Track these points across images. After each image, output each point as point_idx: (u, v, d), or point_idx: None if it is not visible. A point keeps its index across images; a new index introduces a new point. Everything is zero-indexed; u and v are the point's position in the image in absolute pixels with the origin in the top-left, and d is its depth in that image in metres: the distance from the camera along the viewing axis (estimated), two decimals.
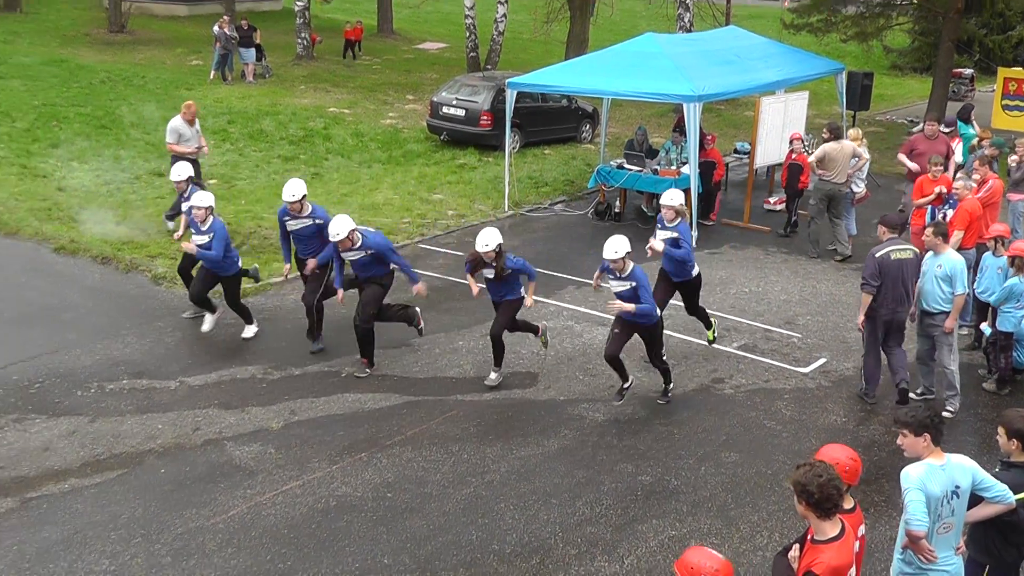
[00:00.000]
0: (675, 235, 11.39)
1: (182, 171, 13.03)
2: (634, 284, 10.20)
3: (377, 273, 11.50)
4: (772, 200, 18.39)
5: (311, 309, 11.92)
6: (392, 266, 11.61)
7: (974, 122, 19.11)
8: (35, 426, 10.14)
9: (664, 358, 10.79)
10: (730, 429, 10.33)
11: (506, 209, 17.96)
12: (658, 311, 10.61)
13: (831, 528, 5.44)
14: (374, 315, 11.42)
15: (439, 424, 10.30)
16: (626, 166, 17.64)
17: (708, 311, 12.07)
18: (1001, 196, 13.89)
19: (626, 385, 10.63)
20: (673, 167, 17.13)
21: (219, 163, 20.31)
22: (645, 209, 17.81)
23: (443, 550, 8.26)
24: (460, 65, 32.31)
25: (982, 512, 6.24)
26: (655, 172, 17.17)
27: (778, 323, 13.03)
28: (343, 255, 11.37)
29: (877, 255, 10.42)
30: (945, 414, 9.89)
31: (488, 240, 10.65)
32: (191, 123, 15.96)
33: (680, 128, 17.49)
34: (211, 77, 30.19)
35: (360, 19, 38.12)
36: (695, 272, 11.67)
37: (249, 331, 12.32)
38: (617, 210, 17.91)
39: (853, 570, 5.50)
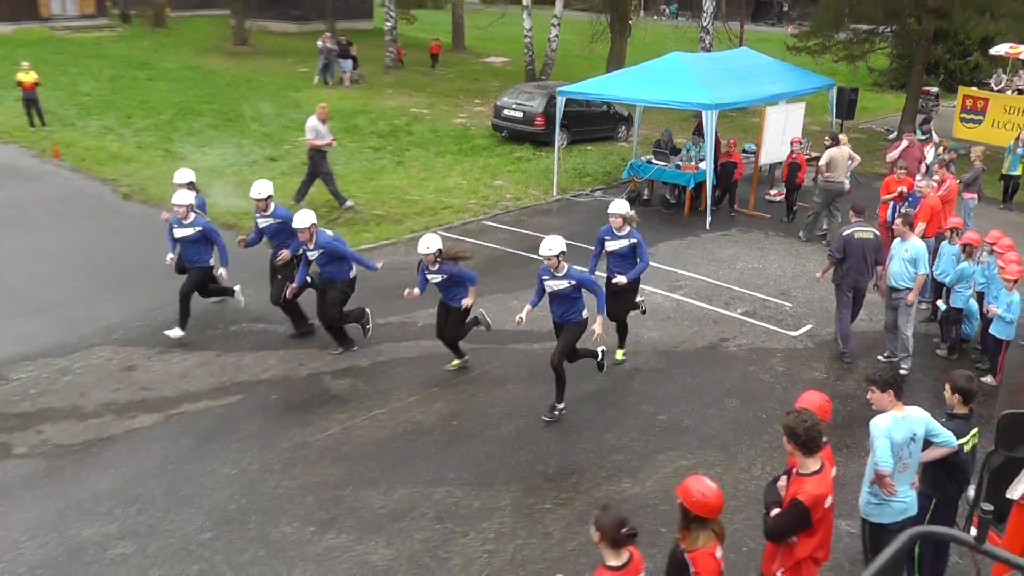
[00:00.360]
0: (632, 241, 10.08)
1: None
2: (573, 282, 8.93)
3: (338, 275, 10.29)
4: (773, 192, 18.20)
5: (285, 308, 10.75)
6: (352, 271, 10.36)
7: (933, 132, 18.87)
8: (175, 358, 10.38)
9: (563, 365, 9.11)
10: (733, 380, 10.31)
11: (554, 194, 17.89)
12: (585, 313, 9.22)
13: (813, 464, 5.50)
14: (338, 317, 10.40)
15: (497, 368, 10.38)
16: (654, 161, 17.57)
17: (705, 279, 11.90)
18: (956, 194, 13.86)
19: (600, 360, 9.62)
20: (692, 163, 17.01)
21: None
22: (668, 197, 17.69)
23: (498, 468, 8.38)
24: (519, 75, 32.14)
25: (931, 454, 6.30)
26: (677, 167, 17.08)
27: (774, 294, 12.93)
28: (307, 254, 10.22)
29: (844, 233, 10.77)
30: (901, 371, 9.84)
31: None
32: (324, 121, 16.01)
33: (699, 131, 17.37)
34: (315, 81, 30.28)
35: (438, 37, 38.05)
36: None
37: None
38: (646, 197, 17.82)
39: (830, 498, 5.55)
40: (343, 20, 41.58)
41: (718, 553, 5.01)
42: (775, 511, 5.59)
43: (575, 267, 9.11)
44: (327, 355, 10.61)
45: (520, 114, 22.24)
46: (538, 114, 21.77)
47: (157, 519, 7.52)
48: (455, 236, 14.97)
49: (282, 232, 10.80)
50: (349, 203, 16.16)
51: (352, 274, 10.46)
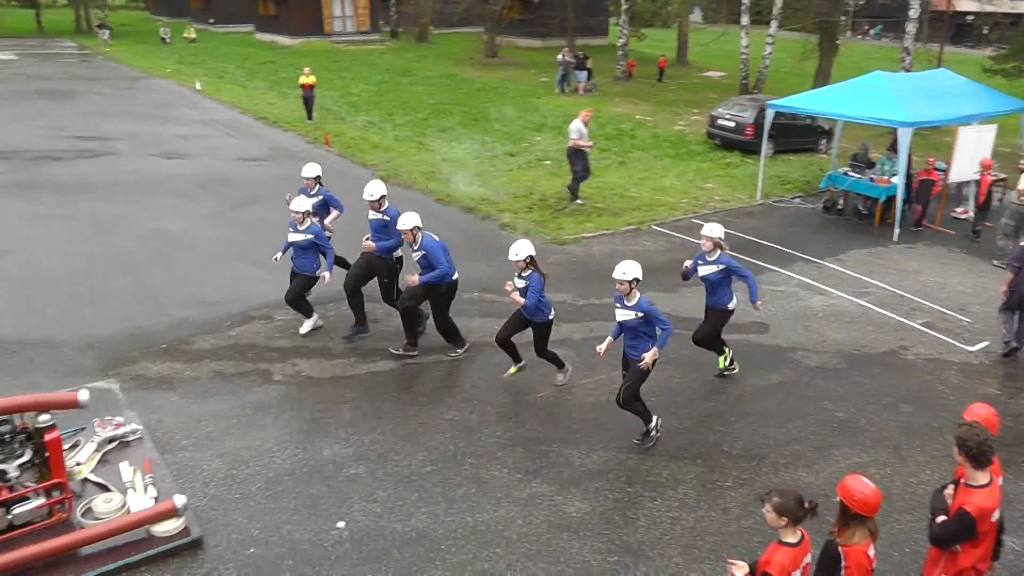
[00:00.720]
0: (721, 267, 8.79)
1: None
2: (641, 314, 7.60)
3: (443, 280, 9.38)
4: (959, 210, 16.70)
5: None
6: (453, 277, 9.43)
7: None
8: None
9: (633, 402, 7.90)
10: (908, 387, 9.53)
11: (758, 198, 17.17)
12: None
13: (982, 477, 5.03)
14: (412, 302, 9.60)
15: (694, 353, 9.98)
16: (850, 173, 16.56)
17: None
18: None
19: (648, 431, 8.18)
20: (886, 177, 15.89)
21: (555, 150, 20.60)
22: (860, 208, 16.53)
23: (687, 445, 8.10)
24: (733, 89, 31.10)
25: None
26: (872, 180, 16.00)
27: (954, 308, 11.84)
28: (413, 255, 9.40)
29: (1022, 243, 10.17)
30: None
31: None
32: (586, 124, 16.06)
33: (894, 147, 16.17)
34: (557, 91, 30.64)
35: (665, 54, 37.50)
36: (731, 304, 9.08)
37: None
38: (840, 206, 16.78)
39: (997, 512, 5.07)
40: (581, 37, 41.76)
41: (871, 551, 4.67)
42: (941, 518, 5.14)
43: (646, 298, 7.68)
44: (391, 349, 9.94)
45: (732, 124, 21.57)
46: (749, 124, 21.03)
47: (386, 449, 7.80)
48: (667, 231, 14.66)
49: (385, 230, 9.95)
50: (579, 201, 16.05)
51: (454, 276, 9.49)
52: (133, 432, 7.76)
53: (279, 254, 10.11)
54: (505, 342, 8.87)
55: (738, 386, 9.24)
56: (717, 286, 8.91)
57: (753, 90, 29.82)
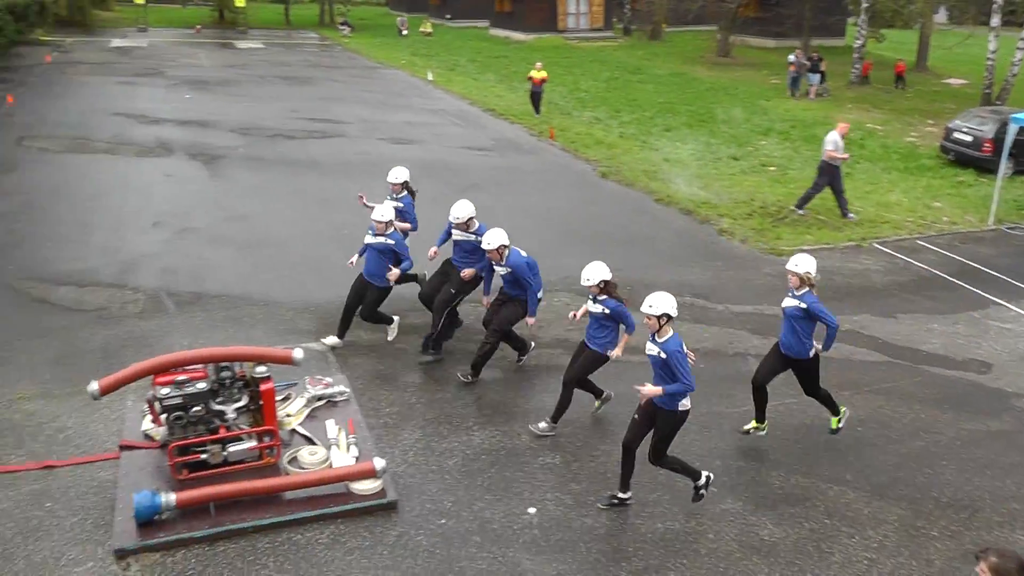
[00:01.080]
0: (803, 306, 7.41)
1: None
2: (664, 355, 6.44)
3: (516, 294, 8.76)
4: None
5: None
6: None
7: None
8: None
9: (667, 457, 6.89)
10: None
11: (990, 223, 15.51)
12: (680, 406, 6.67)
13: None
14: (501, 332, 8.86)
15: (907, 385, 9.30)
16: None
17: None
18: None
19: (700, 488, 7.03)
20: None
21: (780, 156, 19.66)
22: None
23: (893, 483, 7.53)
24: (974, 99, 28.23)
25: None
26: None
27: None
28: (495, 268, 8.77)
29: None
30: None
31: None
32: (844, 137, 15.12)
33: None
34: (788, 94, 29.12)
35: (903, 58, 34.54)
36: (811, 352, 7.67)
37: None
38: None
39: None
40: (817, 37, 39.38)
41: None
42: None
43: (678, 340, 6.54)
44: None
45: (969, 138, 19.52)
46: (987, 139, 18.94)
47: (584, 443, 7.79)
48: (889, 251, 13.58)
49: (477, 252, 9.08)
50: (801, 212, 15.10)
51: (540, 292, 8.80)
52: (341, 393, 8.20)
53: (354, 257, 9.49)
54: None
55: (953, 428, 8.45)
56: (799, 323, 7.50)
57: (996, 101, 26.92)
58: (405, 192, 10.25)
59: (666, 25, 46.69)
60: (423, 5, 59.95)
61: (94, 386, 6.59)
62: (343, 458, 7.11)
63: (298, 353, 7.23)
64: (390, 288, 9.30)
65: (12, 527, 6.47)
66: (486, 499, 6.96)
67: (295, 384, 8.24)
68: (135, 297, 10.71)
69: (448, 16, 56.29)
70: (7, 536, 6.38)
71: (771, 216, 14.94)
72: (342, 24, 49.72)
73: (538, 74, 23.07)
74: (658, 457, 6.78)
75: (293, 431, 7.60)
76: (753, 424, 8.03)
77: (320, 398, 8.08)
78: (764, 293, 11.49)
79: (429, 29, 48.31)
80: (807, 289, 7.45)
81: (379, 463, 6.80)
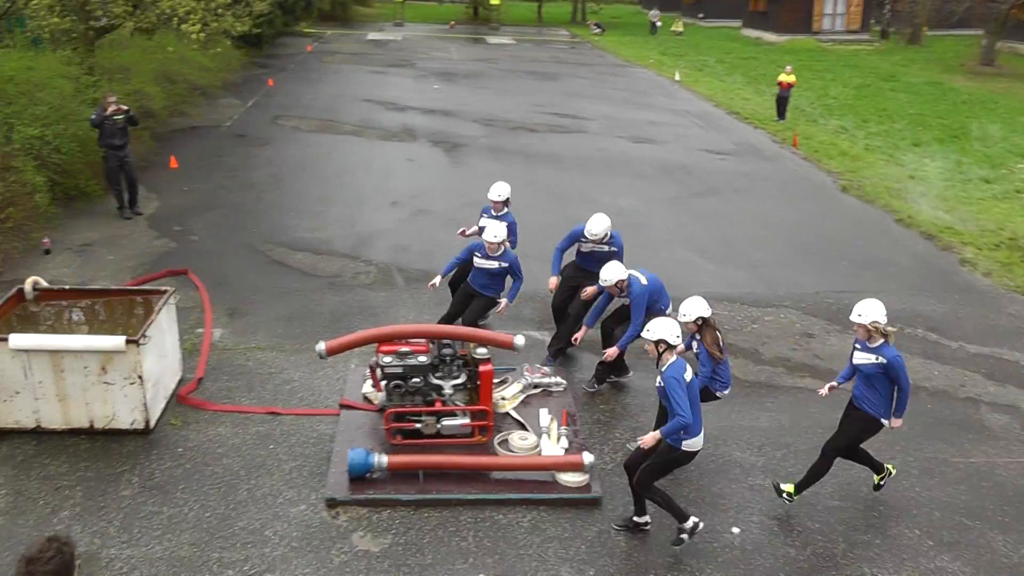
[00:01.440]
0: (880, 361, 6.28)
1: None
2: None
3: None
4: None
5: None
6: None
7: None
8: (847, 338, 8.32)
9: (652, 487, 6.16)
10: None
11: None
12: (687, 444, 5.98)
13: None
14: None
15: None
16: None
17: None
18: None
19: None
20: None
21: None
22: None
23: None
24: None
25: None
26: None
27: None
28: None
29: None
30: None
31: (687, 311, 6.58)
32: None
33: None
34: None
35: None
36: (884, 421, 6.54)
37: None
38: None
39: None
40: None
41: None
42: None
43: (680, 363, 5.99)
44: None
45: None
46: None
47: (799, 468, 7.15)
48: None
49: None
50: None
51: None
52: (558, 384, 8.17)
53: (438, 278, 8.71)
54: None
55: None
56: (872, 379, 6.43)
57: None
58: (506, 210, 9.32)
59: (927, 28, 42.40)
60: (676, 3, 58.63)
61: (321, 346, 7.04)
62: (552, 448, 7.09)
63: (519, 340, 7.30)
64: (497, 302, 8.70)
65: (239, 461, 7.06)
66: (690, 511, 6.69)
67: (513, 370, 8.33)
68: (367, 269, 11.29)
69: (701, 15, 54.68)
70: (234, 468, 6.97)
71: (1022, 250, 13.15)
72: (594, 25, 49.78)
73: (787, 78, 21.79)
74: (643, 484, 6.14)
75: (506, 414, 7.69)
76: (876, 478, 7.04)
77: (536, 386, 8.12)
78: (1006, 335, 10.25)
79: (680, 28, 47.22)
80: (882, 341, 6.36)
81: (588, 457, 6.72)
